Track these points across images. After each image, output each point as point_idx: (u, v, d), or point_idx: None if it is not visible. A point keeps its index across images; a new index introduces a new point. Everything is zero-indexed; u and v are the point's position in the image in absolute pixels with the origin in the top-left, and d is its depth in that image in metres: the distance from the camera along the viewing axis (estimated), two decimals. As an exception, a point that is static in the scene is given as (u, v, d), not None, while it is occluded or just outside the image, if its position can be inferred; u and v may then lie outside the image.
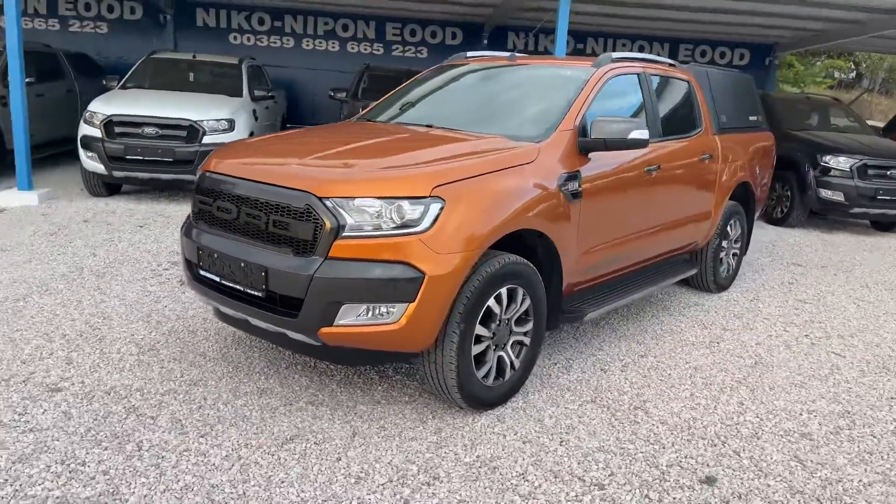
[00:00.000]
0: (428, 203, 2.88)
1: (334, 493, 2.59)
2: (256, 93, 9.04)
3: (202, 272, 3.28)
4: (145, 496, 2.50)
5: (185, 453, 2.78)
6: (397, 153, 3.32)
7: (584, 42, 14.37)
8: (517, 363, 3.43)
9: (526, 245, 3.53)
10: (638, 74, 4.42)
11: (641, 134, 3.68)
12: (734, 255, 5.82)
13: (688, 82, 5.04)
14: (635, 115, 4.35)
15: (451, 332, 3.01)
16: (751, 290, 5.87)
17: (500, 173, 3.20)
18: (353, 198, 2.84)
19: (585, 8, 11.19)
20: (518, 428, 3.18)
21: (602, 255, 3.96)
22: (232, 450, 2.83)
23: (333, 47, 13.85)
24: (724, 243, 5.58)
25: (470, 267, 2.96)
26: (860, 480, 2.95)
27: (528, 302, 3.38)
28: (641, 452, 3.04)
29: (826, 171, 8.75)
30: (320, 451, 2.87)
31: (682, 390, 3.72)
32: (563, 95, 3.90)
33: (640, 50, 14.41)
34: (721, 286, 5.65)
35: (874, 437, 3.35)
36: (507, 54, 4.74)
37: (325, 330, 2.85)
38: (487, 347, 3.24)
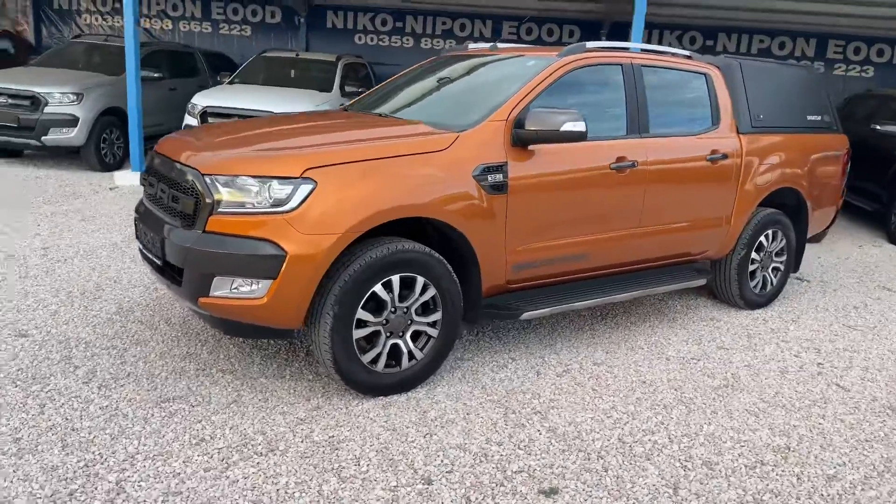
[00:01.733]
0: (298, 184, 2.97)
1: (169, 450, 2.77)
2: (347, 88, 9.52)
3: (139, 244, 3.62)
4: (16, 429, 2.84)
5: (74, 399, 3.11)
6: (293, 137, 3.45)
7: (714, 38, 13.39)
8: (419, 353, 3.40)
9: (445, 236, 3.49)
10: (621, 65, 4.13)
11: (577, 126, 3.48)
12: (775, 269, 5.21)
13: (705, 76, 4.61)
14: (608, 107, 4.09)
15: (324, 313, 3.07)
16: (795, 310, 5.23)
17: (394, 160, 3.20)
18: (230, 175, 3.00)
19: (714, 1, 10.49)
20: (394, 416, 3.16)
21: (546, 254, 3.78)
22: (114, 402, 3.12)
23: (450, 46, 14.14)
24: (757, 255, 5.02)
25: (339, 250, 3.01)
26: (736, 520, 2.60)
27: (431, 292, 3.34)
28: (500, 455, 2.90)
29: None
30: (188, 412, 3.07)
31: (605, 402, 3.46)
32: (512, 86, 3.77)
33: (781, 47, 13.15)
34: (752, 303, 5.09)
35: (796, 480, 2.90)
36: (504, 45, 4.65)
37: (202, 300, 3.04)
38: (377, 333, 3.25)
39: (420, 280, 3.29)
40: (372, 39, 14.35)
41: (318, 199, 2.97)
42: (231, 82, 9.69)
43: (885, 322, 5.13)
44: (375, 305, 3.22)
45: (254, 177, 2.98)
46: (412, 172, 3.21)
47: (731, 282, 4.98)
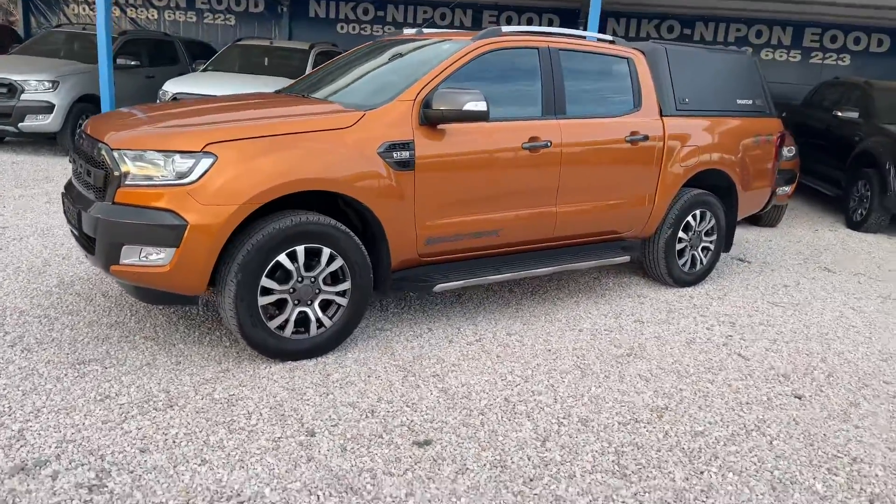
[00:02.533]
0: (199, 158, 3.16)
1: (74, 405, 2.98)
2: (319, 75, 9.68)
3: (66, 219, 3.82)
4: (-65, 385, 3.06)
5: (1, 363, 3.32)
6: (207, 115, 3.63)
7: (691, 27, 13.48)
8: (328, 321, 3.59)
9: (357, 210, 3.68)
10: (537, 49, 4.30)
11: (478, 105, 3.65)
12: (705, 249, 5.38)
13: (628, 60, 4.77)
14: (523, 89, 4.26)
15: (229, 280, 3.27)
16: (725, 288, 5.41)
17: (296, 136, 3.39)
18: (137, 150, 3.20)
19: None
20: (297, 378, 3.36)
21: (458, 230, 3.96)
22: (34, 363, 3.32)
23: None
24: (685, 235, 5.19)
25: (239, 220, 3.20)
26: (527, 473, 2.78)
27: (338, 263, 3.53)
28: (386, 412, 3.10)
29: (911, 169, 7.61)
30: (101, 373, 3.28)
31: (504, 367, 3.65)
32: (424, 68, 3.94)
33: (758, 35, 13.23)
34: (680, 281, 5.27)
35: (663, 436, 3.09)
36: (432, 31, 4.82)
37: (114, 267, 3.24)
38: (284, 301, 3.45)
39: (326, 251, 3.48)
40: (354, 28, 14.51)
41: (218, 172, 3.16)
42: (205, 70, 9.87)
43: (810, 299, 5.30)
44: (283, 275, 3.42)
45: (158, 151, 3.18)
46: (313, 148, 3.39)
47: (659, 260, 5.16)
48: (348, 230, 3.54)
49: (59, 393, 3.06)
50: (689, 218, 5.18)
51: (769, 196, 5.90)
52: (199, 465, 2.62)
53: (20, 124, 8.80)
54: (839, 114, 9.04)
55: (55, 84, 9.03)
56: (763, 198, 5.84)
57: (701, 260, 5.38)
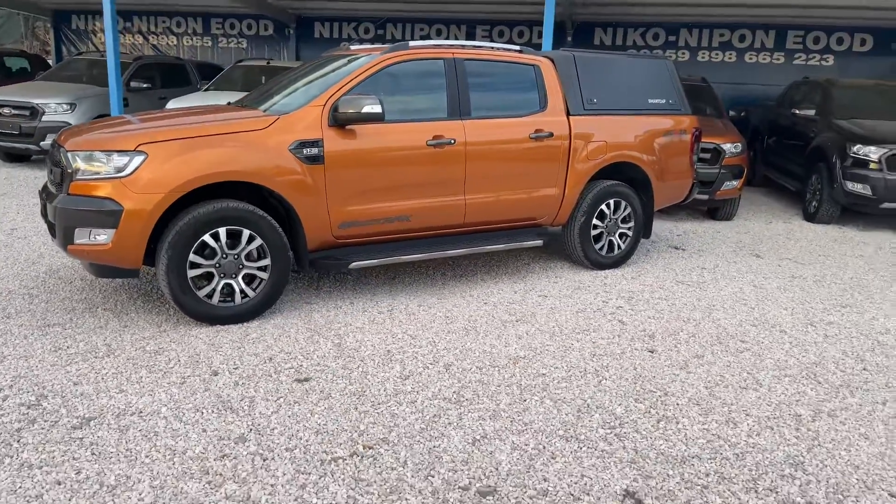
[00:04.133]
0: (133, 155, 3.91)
1: (31, 353, 3.73)
2: (309, 92, 10.51)
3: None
4: (-72, 341, 3.85)
5: (-21, 323, 4.11)
6: (151, 121, 4.40)
7: (676, 34, 13.96)
8: (251, 292, 4.30)
9: (276, 198, 4.39)
10: (443, 60, 4.97)
11: (374, 108, 4.34)
12: (623, 235, 5.93)
13: (534, 67, 5.40)
14: (429, 95, 4.93)
15: (162, 255, 4.00)
16: (642, 270, 5.94)
17: (215, 137, 4.12)
18: (85, 150, 3.97)
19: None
20: (220, 337, 4.06)
21: (369, 216, 4.62)
22: (10, 326, 4.10)
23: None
24: (600, 222, 5.76)
25: (166, 205, 3.93)
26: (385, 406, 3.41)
27: (257, 242, 4.24)
28: (282, 359, 3.77)
29: (855, 162, 8.01)
30: (60, 332, 4.03)
31: (400, 330, 4.29)
32: (339, 77, 4.65)
33: (741, 39, 13.63)
34: (598, 263, 5.83)
35: (508, 376, 3.69)
36: (357, 46, 5.53)
37: (70, 247, 4.01)
38: (210, 274, 4.16)
39: (246, 232, 4.19)
40: (356, 47, 15.35)
41: (148, 167, 3.91)
42: (207, 90, 10.79)
43: (718, 279, 5.80)
44: (210, 252, 4.14)
45: (102, 151, 3.94)
46: (229, 146, 4.12)
47: (576, 245, 5.74)
48: (265, 214, 4.25)
49: (24, 346, 3.82)
50: (603, 206, 5.75)
51: (690, 187, 6.41)
52: (117, 393, 3.33)
53: (42, 143, 9.80)
54: (797, 112, 9.46)
55: (72, 106, 10.04)
56: (683, 189, 6.36)
57: (619, 245, 5.93)
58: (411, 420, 3.17)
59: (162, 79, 12.02)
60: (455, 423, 3.15)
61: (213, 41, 16.05)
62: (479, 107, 5.07)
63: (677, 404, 3.45)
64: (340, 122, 4.43)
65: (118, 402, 3.24)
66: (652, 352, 4.12)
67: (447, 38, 14.92)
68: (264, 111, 4.54)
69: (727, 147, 8.03)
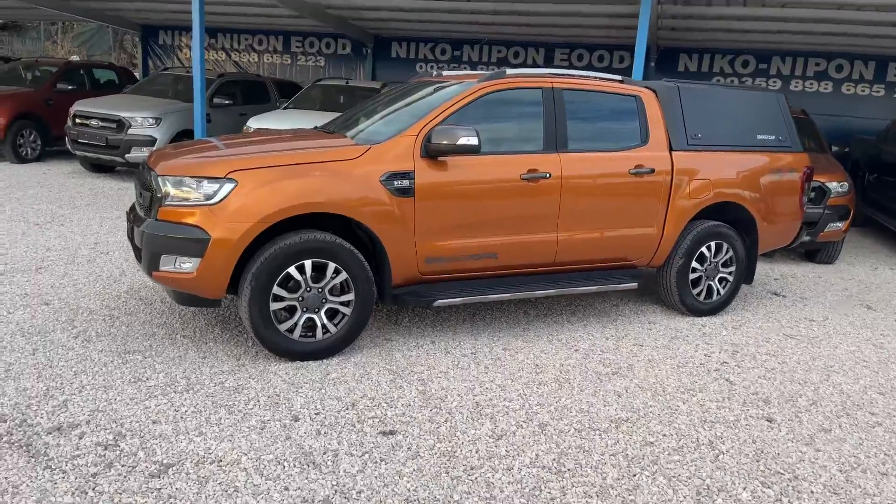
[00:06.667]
0: (223, 182, 3.77)
1: (111, 384, 3.60)
2: (387, 113, 10.43)
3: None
4: (8, 363, 3.78)
5: (61, 347, 4.03)
6: (240, 147, 4.27)
7: (767, 62, 13.31)
8: (333, 328, 4.09)
9: (364, 231, 4.19)
10: (541, 89, 4.69)
11: (470, 140, 4.09)
12: (723, 280, 5.50)
13: (636, 98, 5.06)
14: (525, 126, 4.66)
15: (245, 287, 3.84)
16: (743, 319, 5.49)
17: (306, 166, 3.94)
18: (175, 175, 3.85)
19: (757, 26, 10.69)
20: (299, 375, 3.86)
21: (457, 252, 4.37)
22: (90, 351, 4.01)
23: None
24: (699, 265, 5.34)
25: (253, 235, 3.77)
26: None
27: (342, 276, 4.04)
28: (364, 405, 3.53)
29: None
30: (140, 361, 3.91)
31: (487, 377, 4.00)
32: (432, 107, 4.43)
33: (838, 69, 12.88)
34: (695, 310, 5.41)
35: (612, 443, 3.34)
36: (449, 73, 5.32)
37: (155, 273, 3.89)
38: (294, 307, 3.98)
39: (331, 265, 3.99)
40: (432, 67, 15.30)
41: (238, 195, 3.76)
42: (286, 108, 10.85)
43: (831, 334, 5.28)
44: (294, 284, 3.96)
45: (192, 177, 3.82)
46: (319, 176, 3.94)
47: (672, 289, 5.33)
48: (352, 247, 4.05)
49: (103, 375, 3.71)
50: (704, 249, 5.33)
51: (798, 230, 5.92)
52: (196, 435, 3.15)
53: (127, 155, 10.01)
54: (909, 149, 8.76)
55: (158, 120, 10.24)
56: (790, 232, 5.88)
57: (718, 290, 5.49)
58: (509, 492, 2.86)
59: (243, 96, 12.21)
60: (559, 500, 2.83)
61: (292, 59, 16.29)
62: (577, 139, 4.76)
63: (811, 492, 3.03)
64: (432, 152, 4.20)
65: (197, 446, 3.06)
66: (770, 421, 3.70)
67: (525, 61, 14.69)
68: (353, 139, 4.35)
69: (833, 186, 7.46)
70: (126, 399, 3.46)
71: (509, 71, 4.69)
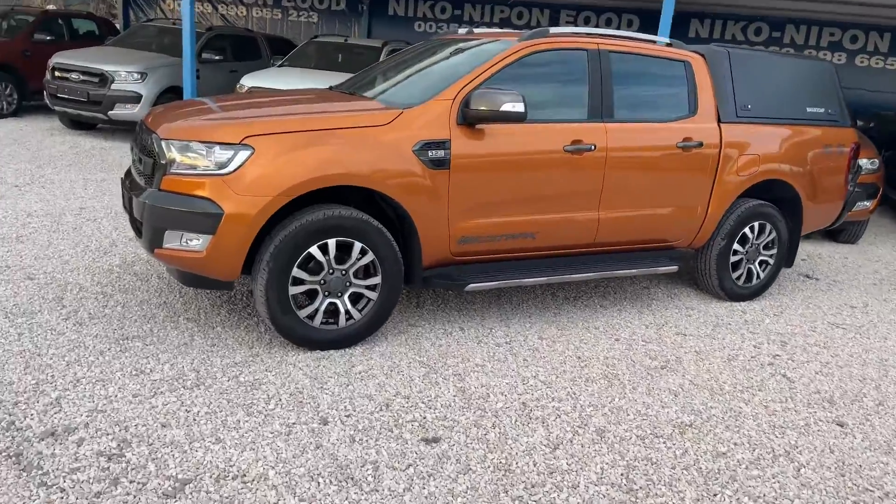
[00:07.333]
0: (237, 149, 3.29)
1: (110, 378, 3.17)
2: (389, 73, 9.86)
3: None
4: (-7, 350, 3.33)
5: (49, 332, 3.57)
6: (253, 108, 3.77)
7: (781, 30, 12.84)
8: (357, 314, 3.67)
9: (393, 206, 3.74)
10: (586, 51, 4.22)
11: (516, 107, 3.64)
12: (763, 263, 5.14)
13: (685, 63, 4.61)
14: (568, 91, 4.20)
15: (261, 269, 3.39)
16: (783, 305, 5.15)
17: (331, 132, 3.47)
18: (183, 140, 3.36)
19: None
20: (322, 368, 3.45)
21: (492, 231, 3.94)
22: (82, 336, 3.55)
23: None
24: (741, 247, 4.97)
25: (272, 211, 3.31)
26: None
27: (369, 257, 3.60)
28: (400, 406, 3.13)
29: None
30: (141, 349, 3.47)
31: (528, 371, 3.62)
32: (467, 68, 3.95)
33: (853, 40, 12.46)
34: (734, 295, 5.06)
35: (681, 453, 2.98)
36: (483, 30, 4.82)
37: (157, 251, 3.42)
38: (315, 292, 3.54)
39: (357, 245, 3.55)
40: (431, 27, 14.63)
41: (255, 164, 3.28)
42: (281, 65, 10.21)
43: (876, 323, 4.97)
44: (315, 266, 3.52)
45: (201, 142, 3.33)
46: (347, 145, 3.47)
47: (711, 272, 4.97)
48: (380, 225, 3.60)
49: (100, 366, 3.27)
50: (746, 229, 4.96)
51: (840, 210, 5.56)
52: (214, 443, 2.74)
53: (110, 112, 9.37)
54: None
55: (143, 75, 9.57)
56: (833, 212, 5.52)
57: (758, 274, 5.14)
58: (582, 517, 2.50)
59: (233, 51, 11.52)
60: (638, 526, 2.48)
61: (283, 14, 15.50)
62: (623, 107, 4.32)
63: (910, 514, 2.71)
64: (470, 119, 3.74)
65: (216, 457, 2.65)
66: (841, 426, 3.37)
67: (529, 23, 14.08)
68: (386, 103, 3.85)
69: (863, 163, 7.10)
70: (128, 396, 3.02)
71: (552, 29, 4.20)
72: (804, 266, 6.41)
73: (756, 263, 5.12)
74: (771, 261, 5.17)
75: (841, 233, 7.57)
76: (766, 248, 5.12)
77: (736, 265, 5.03)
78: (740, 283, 5.08)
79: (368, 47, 10.45)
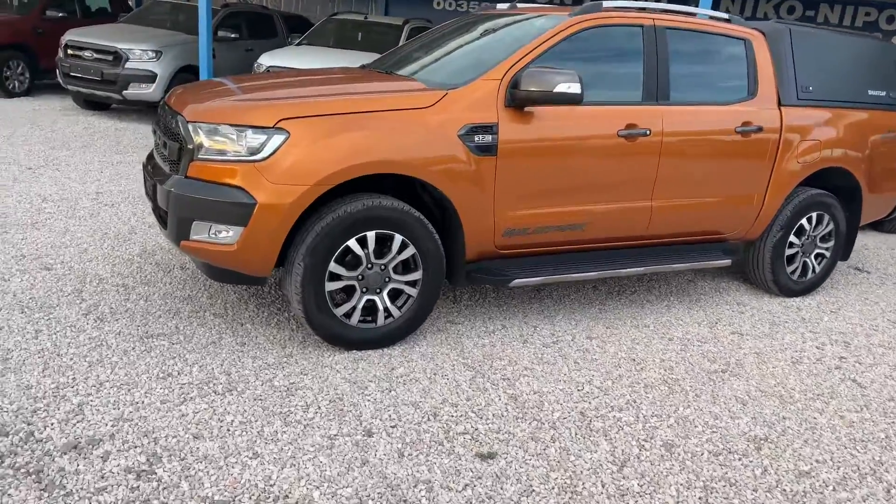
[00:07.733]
0: (271, 134, 3.01)
1: (136, 381, 2.93)
2: (411, 51, 9.52)
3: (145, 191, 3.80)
4: (7, 350, 3.08)
5: (69, 328, 3.33)
6: (284, 88, 3.48)
7: (815, 8, 12.36)
8: (397, 312, 3.41)
9: (433, 196, 3.47)
10: (642, 27, 3.90)
11: (572, 88, 3.34)
12: (819, 256, 4.84)
13: (745, 41, 4.28)
14: (623, 71, 3.89)
15: (296, 263, 3.13)
16: (839, 301, 4.85)
17: (372, 115, 3.18)
18: (211, 123, 3.08)
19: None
20: (360, 370, 3.20)
21: (540, 222, 3.66)
22: (104, 334, 3.32)
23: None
24: (797, 239, 4.67)
25: (309, 201, 3.04)
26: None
27: (410, 251, 3.33)
28: (449, 416, 2.88)
29: None
30: (167, 348, 3.23)
31: (582, 376, 3.35)
32: (515, 45, 3.64)
33: (889, 20, 11.97)
34: (787, 290, 4.76)
35: (760, 472, 2.72)
36: (527, 5, 4.50)
37: (183, 243, 3.17)
38: (352, 288, 3.28)
39: (398, 238, 3.28)
40: (450, 5, 14.22)
41: (290, 150, 3.01)
42: (299, 44, 9.89)
43: (940, 321, 4.67)
44: (352, 260, 3.25)
45: (232, 125, 3.05)
46: (389, 129, 3.18)
47: (765, 265, 4.67)
48: (422, 217, 3.33)
49: (124, 367, 3.03)
50: (804, 221, 4.65)
51: (897, 200, 5.24)
52: (251, 458, 2.50)
53: (124, 92, 9.09)
54: None
55: (158, 54, 9.27)
56: (890, 202, 5.20)
57: (813, 268, 4.84)
58: (663, 549, 2.24)
59: (249, 29, 11.20)
60: (727, 561, 2.22)
61: (298, -10, 15.12)
62: (679, 88, 4.01)
63: None
64: (519, 102, 3.44)
65: (254, 474, 2.40)
66: (926, 439, 3.09)
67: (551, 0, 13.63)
68: (427, 84, 3.56)
69: (915, 149, 6.72)
70: (156, 402, 2.78)
71: (605, 3, 3.88)
72: (853, 257, 6.09)
73: (812, 257, 4.81)
74: (827, 254, 4.86)
75: (885, 222, 7.23)
76: (822, 240, 4.81)
77: (791, 258, 4.73)
78: (795, 277, 4.78)
79: (390, 25, 10.10)
